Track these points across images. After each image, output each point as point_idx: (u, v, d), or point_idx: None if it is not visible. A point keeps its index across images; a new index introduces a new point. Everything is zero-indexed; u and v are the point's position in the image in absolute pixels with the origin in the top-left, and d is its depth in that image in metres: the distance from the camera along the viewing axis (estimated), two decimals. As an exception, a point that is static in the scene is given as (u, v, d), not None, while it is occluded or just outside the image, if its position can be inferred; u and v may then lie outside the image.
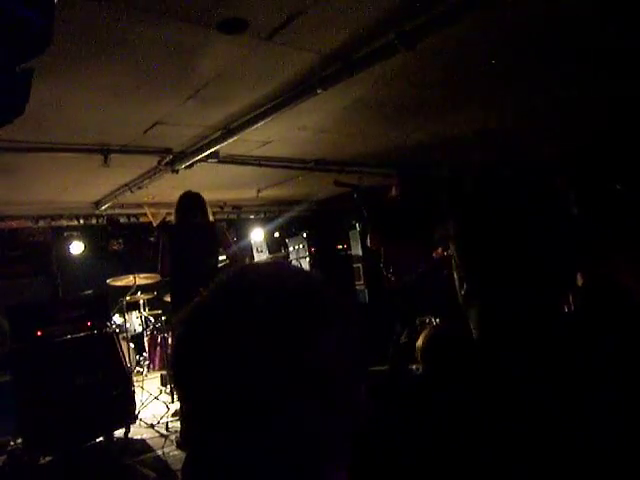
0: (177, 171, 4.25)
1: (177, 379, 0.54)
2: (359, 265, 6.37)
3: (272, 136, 3.99)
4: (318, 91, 2.89)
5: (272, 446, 0.48)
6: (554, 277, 0.78)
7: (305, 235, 6.88)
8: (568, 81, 3.49)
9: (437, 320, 3.81)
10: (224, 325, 0.50)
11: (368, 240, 3.87)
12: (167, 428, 3.78)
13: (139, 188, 4.92)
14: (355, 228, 6.45)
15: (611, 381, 0.77)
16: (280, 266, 0.59)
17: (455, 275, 0.86)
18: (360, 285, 6.30)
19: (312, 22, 2.29)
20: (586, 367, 0.77)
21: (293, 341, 0.48)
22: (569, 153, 4.64)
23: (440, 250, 3.82)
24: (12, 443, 3.47)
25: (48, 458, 3.36)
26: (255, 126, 3.41)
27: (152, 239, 4.74)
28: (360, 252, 6.31)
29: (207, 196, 3.82)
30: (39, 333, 3.49)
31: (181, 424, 3.14)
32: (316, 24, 2.32)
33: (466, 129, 4.40)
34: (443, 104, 3.77)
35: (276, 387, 0.47)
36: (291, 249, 7.04)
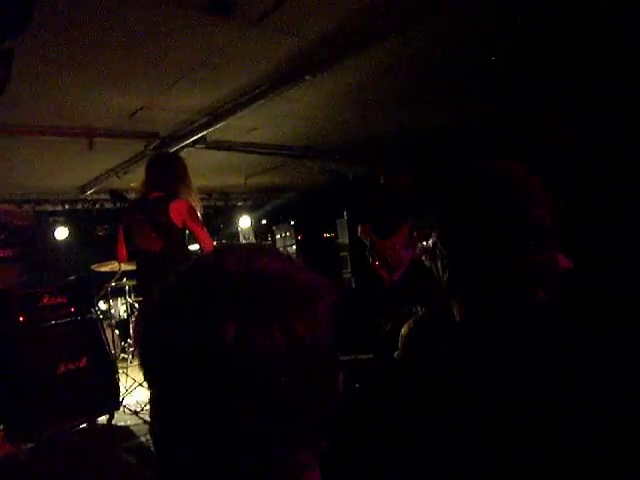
0: (162, 156, 4.20)
1: (145, 365, 0.53)
2: (346, 253, 6.39)
3: (260, 122, 3.95)
4: (306, 77, 2.87)
5: (245, 432, 0.47)
6: (538, 266, 0.81)
7: (292, 223, 6.86)
8: (567, 73, 3.49)
9: (422, 310, 3.84)
10: (194, 310, 0.48)
11: (359, 230, 3.84)
12: (152, 415, 3.77)
13: (125, 173, 4.86)
14: (342, 217, 6.45)
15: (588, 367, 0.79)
16: (257, 249, 0.57)
17: (438, 263, 0.88)
18: (347, 273, 6.33)
19: (301, 7, 2.26)
20: (564, 356, 0.79)
21: (268, 324, 0.47)
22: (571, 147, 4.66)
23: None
24: (-6, 429, 3.44)
25: (30, 445, 3.34)
26: (243, 111, 3.38)
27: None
28: (347, 240, 6.32)
29: (194, 182, 3.69)
30: (21, 319, 3.44)
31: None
32: (305, 9, 2.29)
33: (458, 119, 4.41)
34: (433, 93, 3.76)
35: (248, 371, 0.46)
36: (278, 236, 7.03)
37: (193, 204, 3.07)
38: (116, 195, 3.17)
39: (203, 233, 3.08)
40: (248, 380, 0.46)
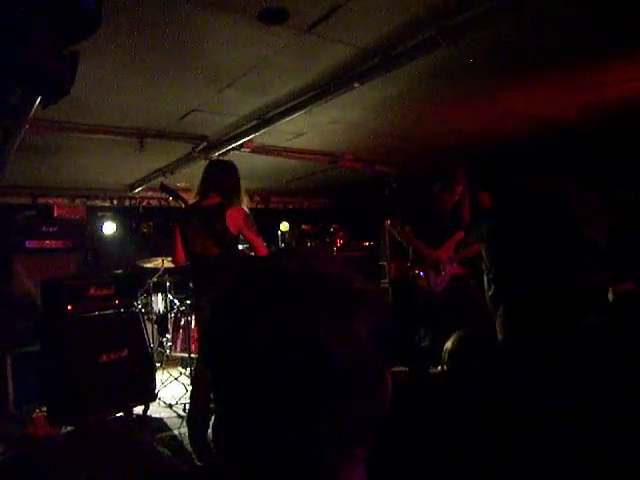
0: (210, 159, 4.30)
1: (207, 357, 0.55)
2: (384, 263, 6.35)
3: (305, 128, 4.00)
4: (355, 85, 2.88)
5: (299, 426, 0.49)
6: (583, 286, 0.78)
7: (332, 229, 6.87)
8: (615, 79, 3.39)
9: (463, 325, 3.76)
10: (256, 308, 0.51)
11: (390, 222, 3.78)
12: (185, 409, 3.86)
13: (172, 174, 5.00)
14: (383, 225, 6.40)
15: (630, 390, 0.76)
16: (310, 253, 0.60)
17: (484, 277, 0.88)
18: (385, 283, 6.28)
19: (353, 15, 2.28)
20: (607, 375, 0.76)
21: (323, 325, 0.49)
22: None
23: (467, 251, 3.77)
24: (37, 411, 3.60)
25: (70, 428, 3.47)
26: (290, 117, 3.42)
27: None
28: (387, 250, 6.27)
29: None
30: (69, 308, 3.61)
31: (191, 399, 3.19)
32: (357, 17, 2.30)
33: (506, 129, 4.33)
34: (481, 104, 3.71)
35: (305, 370, 0.48)
36: (317, 242, 7.05)
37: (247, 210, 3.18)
38: (167, 190, 3.28)
39: (258, 241, 3.16)
40: (302, 375, 0.48)
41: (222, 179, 3.17)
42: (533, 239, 0.83)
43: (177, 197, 3.23)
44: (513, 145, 4.81)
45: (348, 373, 0.49)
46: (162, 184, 3.34)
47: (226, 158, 4.27)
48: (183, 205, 3.25)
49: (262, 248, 3.16)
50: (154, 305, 5.74)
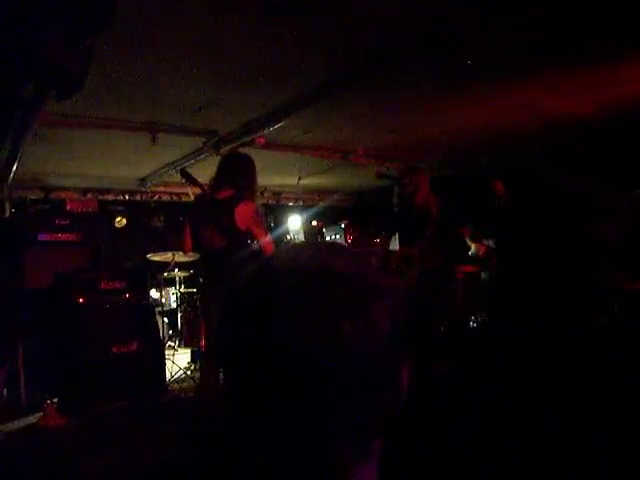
0: (221, 154, 4.31)
1: (222, 358, 0.55)
2: (394, 260, 6.33)
3: (316, 124, 3.99)
4: (365, 82, 2.87)
5: (308, 423, 0.48)
6: (597, 287, 0.77)
7: (343, 225, 6.87)
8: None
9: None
10: (271, 306, 0.50)
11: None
12: (193, 402, 3.88)
13: (183, 168, 5.03)
14: (393, 222, 6.38)
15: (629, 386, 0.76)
16: (329, 247, 0.58)
17: (493, 274, 0.87)
18: (393, 279, 6.28)
19: (362, 16, 2.27)
20: (618, 377, 0.76)
21: (336, 319, 0.48)
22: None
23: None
24: (48, 401, 3.65)
25: (80, 419, 3.51)
26: (300, 113, 3.42)
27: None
28: (397, 247, 6.26)
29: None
30: (81, 300, 3.64)
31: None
32: (366, 19, 2.30)
33: (522, 126, 4.30)
34: (497, 101, 3.68)
35: (322, 368, 0.47)
36: (328, 238, 7.06)
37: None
38: (187, 176, 3.32)
39: (265, 239, 3.12)
40: (308, 372, 0.47)
41: (237, 173, 3.14)
42: (549, 237, 0.81)
43: (197, 184, 3.25)
44: (529, 142, 4.77)
45: (366, 370, 0.49)
46: (182, 170, 3.38)
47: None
48: (202, 192, 3.25)
49: (269, 245, 3.13)
50: (164, 299, 5.78)
